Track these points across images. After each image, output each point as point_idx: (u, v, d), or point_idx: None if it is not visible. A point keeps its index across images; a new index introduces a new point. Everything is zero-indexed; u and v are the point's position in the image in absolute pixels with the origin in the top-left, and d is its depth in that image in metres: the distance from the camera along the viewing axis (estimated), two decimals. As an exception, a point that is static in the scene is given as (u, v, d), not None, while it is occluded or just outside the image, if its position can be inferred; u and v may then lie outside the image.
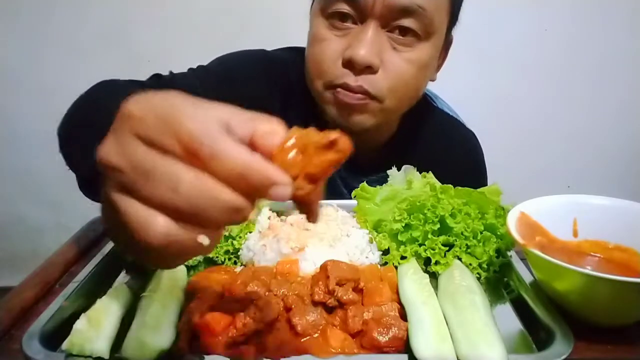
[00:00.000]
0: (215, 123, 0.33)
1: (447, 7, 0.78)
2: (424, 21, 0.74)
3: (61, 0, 1.59)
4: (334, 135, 0.38)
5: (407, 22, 0.73)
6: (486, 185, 0.87)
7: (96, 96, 0.78)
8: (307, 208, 0.40)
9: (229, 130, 0.34)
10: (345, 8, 0.74)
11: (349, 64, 0.73)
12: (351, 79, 0.73)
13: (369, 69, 0.73)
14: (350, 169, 0.94)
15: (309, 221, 0.41)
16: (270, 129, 0.36)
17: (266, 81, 0.88)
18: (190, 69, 0.91)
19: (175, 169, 0.32)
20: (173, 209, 0.33)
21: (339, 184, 0.95)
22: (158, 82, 0.84)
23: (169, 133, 0.32)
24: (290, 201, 0.38)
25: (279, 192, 0.33)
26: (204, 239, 0.35)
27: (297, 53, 0.92)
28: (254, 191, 0.33)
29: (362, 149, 0.87)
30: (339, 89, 0.75)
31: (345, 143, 0.38)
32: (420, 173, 0.76)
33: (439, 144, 0.96)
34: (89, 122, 0.70)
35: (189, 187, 0.32)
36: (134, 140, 0.33)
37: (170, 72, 0.87)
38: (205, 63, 0.99)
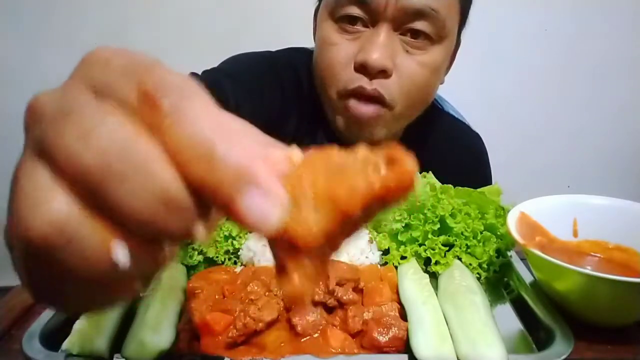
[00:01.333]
0: (196, 87, 0.23)
1: (458, 9, 0.76)
2: (437, 24, 0.72)
3: (61, 0, 1.59)
4: (393, 152, 0.24)
5: (419, 25, 0.71)
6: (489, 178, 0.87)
7: None
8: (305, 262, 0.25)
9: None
10: (356, 11, 0.72)
11: (362, 69, 0.71)
12: (365, 82, 0.71)
13: (383, 73, 0.71)
14: None
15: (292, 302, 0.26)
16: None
17: (279, 88, 0.84)
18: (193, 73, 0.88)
19: (100, 112, 0.20)
20: (78, 174, 0.20)
21: None
22: None
23: (128, 79, 0.22)
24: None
25: (257, 206, 0.21)
26: (119, 249, 0.21)
27: (303, 54, 0.89)
28: (212, 189, 0.21)
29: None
30: (351, 100, 0.73)
31: (408, 167, 0.23)
32: (419, 173, 0.76)
33: (446, 148, 0.94)
34: None
35: (106, 134, 0.20)
36: (80, 85, 0.22)
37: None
38: (205, 63, 0.99)
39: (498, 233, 0.67)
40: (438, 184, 0.73)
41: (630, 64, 1.86)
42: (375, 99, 0.72)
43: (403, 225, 0.68)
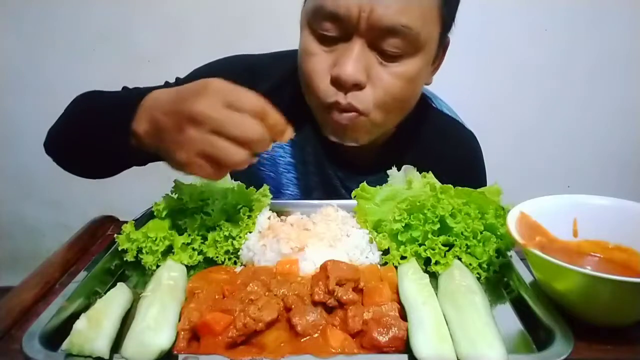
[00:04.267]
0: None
1: (437, 18, 0.76)
2: (410, 39, 0.72)
3: (62, 1, 1.59)
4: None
5: (393, 42, 0.72)
6: (485, 185, 0.87)
7: (91, 96, 0.82)
8: None
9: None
10: (330, 28, 0.73)
11: (337, 83, 0.73)
12: (341, 97, 0.73)
13: (357, 86, 0.73)
14: (349, 170, 0.94)
15: None
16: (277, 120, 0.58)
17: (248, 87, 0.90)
18: (167, 82, 0.92)
19: (243, 119, 0.55)
20: (246, 143, 0.55)
21: (338, 185, 0.95)
22: (131, 93, 0.86)
23: (233, 103, 0.55)
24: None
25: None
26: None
27: (280, 59, 0.93)
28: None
29: (360, 151, 0.87)
30: (332, 111, 0.75)
31: None
32: (420, 173, 0.76)
33: (438, 145, 0.95)
34: (99, 112, 0.76)
35: (249, 128, 0.55)
36: (219, 102, 0.55)
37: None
38: (205, 63, 0.99)
39: (498, 233, 0.67)
40: (438, 184, 0.73)
41: (629, 63, 1.86)
42: (351, 110, 0.75)
43: (403, 225, 0.68)
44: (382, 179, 0.78)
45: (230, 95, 0.55)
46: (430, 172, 0.76)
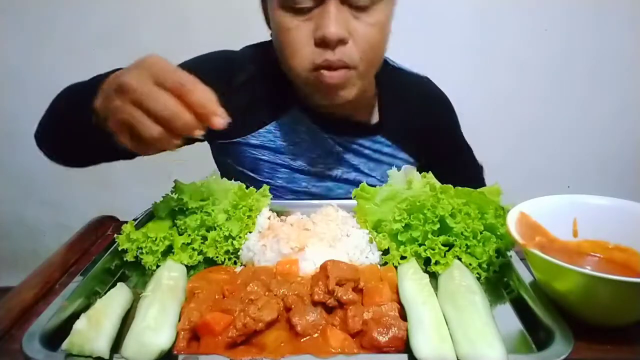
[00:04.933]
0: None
1: None
2: None
3: (62, 1, 1.59)
4: None
5: None
6: (459, 129, 1.07)
7: (74, 87, 0.85)
8: None
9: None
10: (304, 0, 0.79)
11: (323, 43, 0.78)
12: (329, 55, 0.79)
13: (341, 42, 0.78)
14: (342, 132, 0.98)
15: None
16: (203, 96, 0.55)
17: (226, 80, 0.95)
18: None
19: (159, 95, 0.54)
20: (162, 120, 0.54)
21: (340, 152, 0.99)
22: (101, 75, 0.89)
23: (159, 79, 0.55)
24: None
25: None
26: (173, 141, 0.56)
27: (255, 49, 1.00)
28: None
29: (351, 113, 0.96)
30: (322, 71, 0.80)
31: None
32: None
33: (410, 95, 1.04)
34: (79, 97, 0.76)
35: (169, 105, 0.53)
36: (148, 76, 0.55)
37: None
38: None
39: (498, 233, 0.67)
40: (438, 184, 0.73)
41: (629, 63, 1.86)
42: (341, 66, 0.80)
43: (403, 225, 0.68)
44: (375, 142, 0.95)
45: (160, 71, 0.55)
46: (430, 172, 0.76)
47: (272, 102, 0.96)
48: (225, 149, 1.01)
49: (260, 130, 0.96)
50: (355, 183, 0.94)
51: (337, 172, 0.99)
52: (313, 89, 0.84)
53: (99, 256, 0.69)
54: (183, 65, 0.96)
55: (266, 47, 0.95)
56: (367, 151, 0.99)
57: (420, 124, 1.02)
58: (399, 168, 0.80)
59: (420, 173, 0.77)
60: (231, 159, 1.01)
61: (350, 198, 0.78)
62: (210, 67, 0.92)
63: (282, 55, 0.84)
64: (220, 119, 0.55)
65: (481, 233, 0.67)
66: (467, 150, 1.13)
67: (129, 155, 0.80)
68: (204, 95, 0.55)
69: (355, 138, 0.98)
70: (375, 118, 1.00)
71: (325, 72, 0.80)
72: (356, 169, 1.00)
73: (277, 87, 0.95)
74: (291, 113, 0.96)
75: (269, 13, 0.86)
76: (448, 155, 1.09)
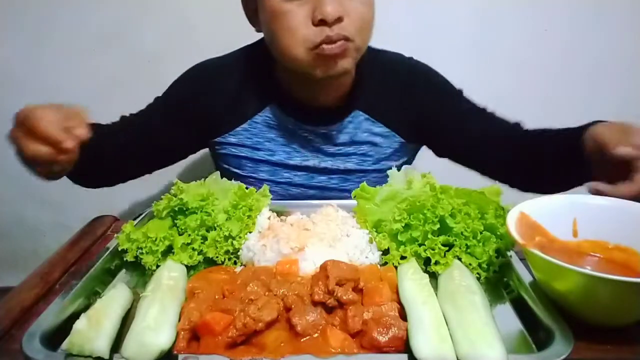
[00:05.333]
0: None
1: None
2: None
3: (62, 1, 1.59)
4: None
5: None
6: (458, 92, 1.10)
7: None
8: None
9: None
10: None
11: (322, 22, 0.81)
12: (329, 31, 0.82)
13: (339, 20, 0.82)
14: (312, 120, 1.00)
15: None
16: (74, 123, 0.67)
17: (212, 91, 1.01)
18: (149, 105, 1.03)
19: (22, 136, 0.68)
20: (48, 141, 0.65)
21: (306, 135, 1.01)
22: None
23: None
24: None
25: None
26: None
27: (233, 56, 1.04)
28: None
29: (325, 99, 0.98)
30: (323, 46, 0.83)
31: None
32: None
33: (392, 73, 1.05)
34: None
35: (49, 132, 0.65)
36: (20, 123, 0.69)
37: (130, 114, 1.03)
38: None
39: (498, 233, 0.67)
40: (438, 184, 0.73)
41: (629, 63, 1.85)
42: (340, 38, 0.84)
43: (403, 225, 0.68)
44: (343, 127, 0.98)
45: (24, 119, 0.69)
46: (430, 173, 0.76)
47: (247, 102, 1.01)
48: (212, 148, 1.06)
49: (238, 128, 1.00)
50: (334, 170, 1.02)
51: (315, 162, 1.01)
52: (313, 65, 0.86)
53: (99, 256, 0.69)
54: (172, 84, 1.03)
55: (245, 51, 1.02)
56: (342, 136, 1.01)
57: (407, 101, 1.03)
58: (398, 168, 0.80)
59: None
60: (217, 157, 1.06)
61: (347, 195, 0.78)
62: (195, 81, 1.01)
63: (279, 41, 0.86)
64: (69, 141, 0.65)
65: (481, 233, 0.67)
66: (482, 110, 1.15)
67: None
68: (47, 128, 0.65)
69: (330, 125, 1.00)
70: (352, 103, 1.01)
71: (325, 46, 0.83)
72: (332, 155, 1.02)
73: (252, 88, 1.00)
74: (265, 111, 1.00)
75: (258, 4, 0.89)
76: (457, 122, 1.08)
